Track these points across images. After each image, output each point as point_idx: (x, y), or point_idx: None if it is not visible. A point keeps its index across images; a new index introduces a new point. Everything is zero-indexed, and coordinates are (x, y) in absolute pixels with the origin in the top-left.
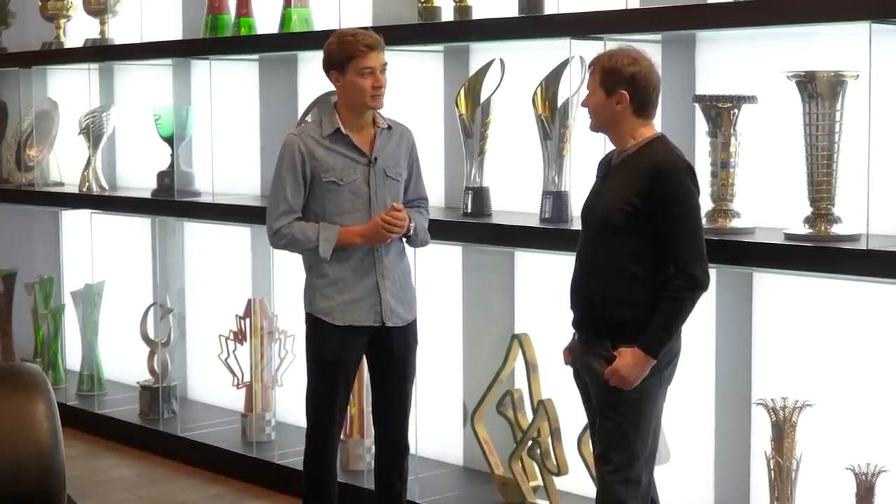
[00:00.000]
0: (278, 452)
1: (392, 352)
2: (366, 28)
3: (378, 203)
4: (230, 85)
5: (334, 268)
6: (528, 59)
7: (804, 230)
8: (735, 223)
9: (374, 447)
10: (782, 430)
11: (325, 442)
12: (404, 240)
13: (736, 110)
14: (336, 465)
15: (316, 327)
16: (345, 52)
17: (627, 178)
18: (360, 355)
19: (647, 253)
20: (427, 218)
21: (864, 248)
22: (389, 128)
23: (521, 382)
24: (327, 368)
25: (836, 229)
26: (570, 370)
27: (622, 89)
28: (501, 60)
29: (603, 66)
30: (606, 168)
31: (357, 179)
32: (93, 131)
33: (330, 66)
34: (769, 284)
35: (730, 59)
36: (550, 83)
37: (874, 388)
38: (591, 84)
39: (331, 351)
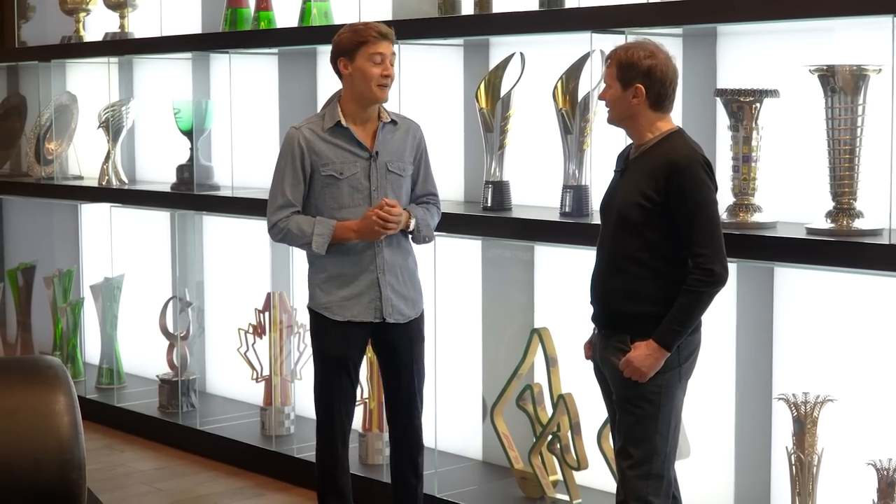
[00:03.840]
0: (297, 446)
1: (396, 349)
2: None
3: (379, 198)
4: (249, 79)
5: (334, 263)
6: (549, 53)
7: (826, 225)
8: (756, 218)
9: None
10: (804, 426)
11: (333, 436)
12: (409, 236)
13: (758, 104)
14: (347, 459)
15: (317, 323)
16: (356, 38)
17: (644, 172)
18: (363, 350)
19: (664, 248)
20: (437, 213)
21: (887, 242)
22: (394, 122)
23: (540, 377)
24: (330, 363)
25: (858, 224)
26: (589, 364)
27: (638, 83)
28: (522, 54)
29: (619, 60)
30: (624, 162)
31: (357, 174)
32: (112, 125)
33: (339, 54)
34: (790, 279)
35: (751, 52)
36: (571, 77)
37: (895, 384)
38: (607, 77)
39: (332, 346)
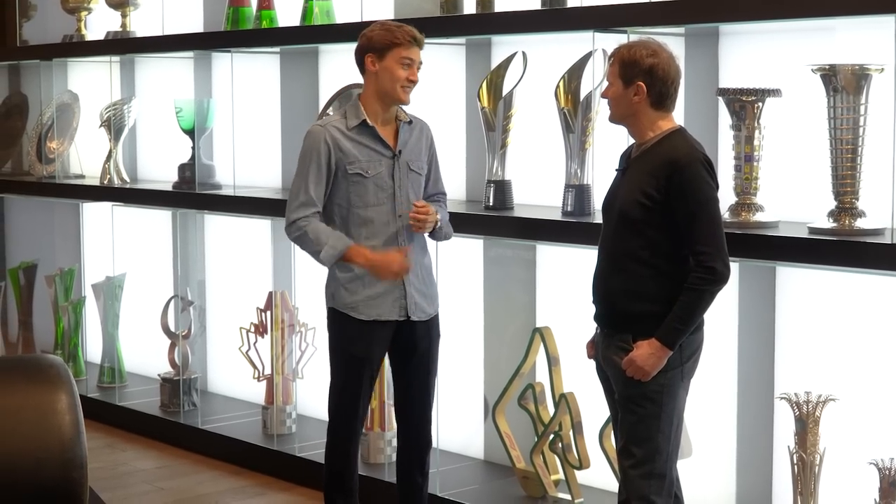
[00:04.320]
0: (299, 445)
1: (416, 346)
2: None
3: (402, 196)
4: (251, 78)
5: None
6: (551, 52)
7: (828, 224)
8: (759, 217)
9: (395, 440)
10: (805, 425)
11: (347, 436)
12: (425, 234)
13: (760, 104)
14: (357, 459)
15: (340, 323)
16: (389, 38)
17: (645, 171)
18: (385, 349)
19: (665, 246)
20: (446, 212)
21: (889, 242)
22: (410, 122)
23: (542, 376)
24: (353, 364)
25: (860, 223)
26: (591, 364)
27: (640, 81)
28: (524, 53)
29: (622, 58)
30: (626, 161)
31: (382, 172)
32: (114, 124)
33: (368, 51)
34: (792, 278)
35: (753, 52)
36: (573, 76)
37: None
38: (609, 75)
39: (357, 346)
